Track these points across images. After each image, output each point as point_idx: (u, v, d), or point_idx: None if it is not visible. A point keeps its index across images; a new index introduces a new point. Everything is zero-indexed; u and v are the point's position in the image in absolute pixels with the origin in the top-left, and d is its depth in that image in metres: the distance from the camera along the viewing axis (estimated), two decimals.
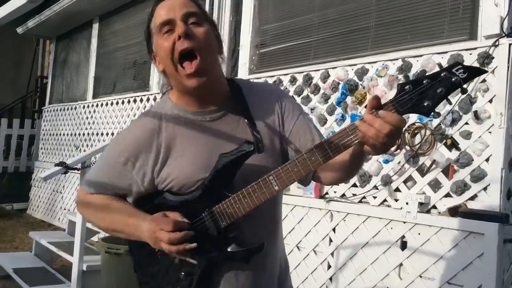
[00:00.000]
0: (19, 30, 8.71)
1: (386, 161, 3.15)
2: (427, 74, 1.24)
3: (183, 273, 1.35)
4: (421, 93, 1.11)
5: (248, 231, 1.36)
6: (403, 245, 2.96)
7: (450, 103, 1.24)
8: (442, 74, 1.10)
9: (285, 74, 3.94)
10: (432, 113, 1.16)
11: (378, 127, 1.11)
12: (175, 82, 1.39)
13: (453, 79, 1.08)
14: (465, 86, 1.09)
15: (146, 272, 1.45)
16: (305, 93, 3.78)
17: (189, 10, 1.32)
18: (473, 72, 1.10)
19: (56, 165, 3.43)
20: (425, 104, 1.11)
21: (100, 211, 1.45)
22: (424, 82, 1.11)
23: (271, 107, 1.44)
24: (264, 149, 1.34)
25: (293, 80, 3.88)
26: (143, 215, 1.35)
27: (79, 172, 3.53)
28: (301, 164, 1.24)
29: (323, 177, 1.45)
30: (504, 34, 2.70)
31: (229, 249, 1.32)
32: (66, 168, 3.41)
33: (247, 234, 1.35)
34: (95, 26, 7.51)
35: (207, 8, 5.39)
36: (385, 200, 3.13)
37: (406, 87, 1.12)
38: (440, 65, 2.96)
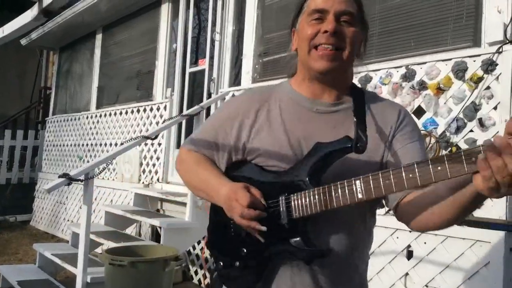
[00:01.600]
0: (23, 41, 8.77)
1: None
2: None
3: (245, 250, 1.33)
4: None
5: (322, 234, 1.28)
6: (409, 255, 2.94)
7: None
8: None
9: None
10: None
11: (508, 160, 0.87)
12: (302, 66, 1.37)
13: None
14: None
15: (215, 235, 1.46)
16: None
17: (347, 8, 1.30)
18: None
19: (60, 176, 3.41)
20: None
21: (192, 168, 1.47)
22: None
23: (387, 120, 1.34)
24: (364, 152, 1.22)
25: None
26: (226, 180, 1.34)
27: (83, 183, 3.51)
28: (395, 177, 1.07)
29: (413, 217, 1.23)
30: (507, 41, 2.70)
31: (292, 243, 1.24)
32: (69, 179, 3.39)
33: (320, 237, 1.27)
34: (98, 37, 7.54)
35: (209, 15, 5.41)
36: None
37: None
38: None
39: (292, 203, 1.24)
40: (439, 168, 0.98)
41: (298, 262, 1.28)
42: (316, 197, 1.20)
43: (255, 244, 1.29)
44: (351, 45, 1.29)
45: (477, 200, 1.02)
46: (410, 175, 1.04)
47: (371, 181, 1.12)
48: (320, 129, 1.32)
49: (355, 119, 1.28)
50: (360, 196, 1.13)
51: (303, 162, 1.26)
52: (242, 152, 1.38)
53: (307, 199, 1.22)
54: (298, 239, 1.24)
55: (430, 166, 1.00)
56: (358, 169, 1.20)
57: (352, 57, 1.31)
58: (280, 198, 1.26)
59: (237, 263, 1.34)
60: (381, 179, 1.10)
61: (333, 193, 1.18)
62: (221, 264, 1.40)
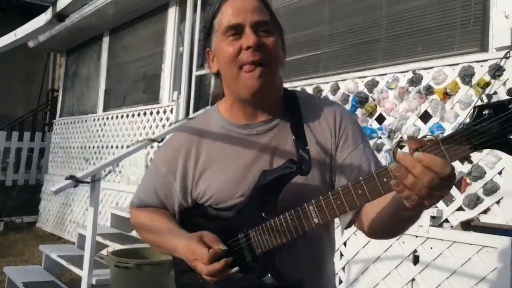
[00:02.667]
0: (30, 44, 8.80)
1: None
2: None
3: None
4: (507, 121, 0.82)
5: (289, 262, 1.24)
6: (416, 260, 2.93)
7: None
8: None
9: (295, 87, 3.93)
10: None
11: (417, 173, 0.88)
12: (230, 87, 1.29)
13: None
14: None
15: (183, 279, 1.41)
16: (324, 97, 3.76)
17: (261, 18, 1.22)
18: None
19: (66, 178, 3.43)
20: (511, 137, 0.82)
21: (144, 226, 1.42)
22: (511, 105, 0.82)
23: (325, 128, 1.29)
24: (310, 171, 1.19)
25: None
26: (180, 233, 1.29)
27: (89, 185, 3.53)
28: (346, 196, 1.05)
29: (366, 226, 1.24)
30: None
31: (264, 280, 1.20)
32: (76, 181, 3.41)
33: (288, 266, 1.23)
34: (106, 40, 7.57)
35: None
36: None
37: (485, 112, 0.84)
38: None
39: (253, 239, 1.21)
40: (385, 179, 0.99)
41: None
42: (274, 229, 1.17)
43: (227, 286, 1.25)
44: (275, 56, 1.23)
45: (412, 213, 1.02)
46: (360, 191, 1.03)
47: (323, 205, 1.10)
48: (263, 151, 1.27)
49: (293, 137, 1.24)
50: (316, 221, 1.12)
51: (254, 194, 1.23)
52: (191, 198, 1.34)
53: (266, 233, 1.18)
54: (269, 276, 1.20)
55: (376, 180, 1.00)
56: (310, 189, 1.21)
57: (278, 68, 1.25)
58: (239, 236, 1.23)
59: None
60: (332, 200, 1.08)
61: (289, 222, 1.15)
62: None
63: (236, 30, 1.21)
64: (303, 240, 1.21)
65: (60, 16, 1.43)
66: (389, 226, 1.17)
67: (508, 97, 0.86)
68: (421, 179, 0.88)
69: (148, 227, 1.40)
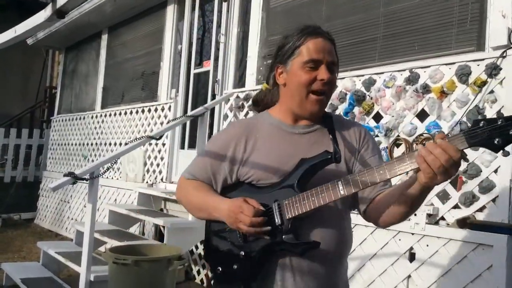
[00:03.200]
0: (29, 41, 8.80)
1: None
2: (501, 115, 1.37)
3: (242, 253, 1.51)
4: (493, 130, 1.20)
5: (312, 231, 1.49)
6: (412, 257, 2.95)
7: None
8: None
9: None
10: (502, 151, 1.25)
11: (437, 154, 1.22)
12: (293, 102, 1.58)
13: None
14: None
15: (212, 245, 1.63)
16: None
17: (334, 59, 1.55)
18: None
19: (65, 175, 3.44)
20: (496, 141, 1.20)
21: (190, 192, 1.66)
22: (499, 121, 1.20)
23: (352, 137, 1.63)
24: (340, 162, 1.50)
25: None
26: (224, 198, 1.56)
27: (88, 182, 3.54)
28: (369, 174, 1.37)
29: (380, 215, 1.52)
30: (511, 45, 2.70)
31: (284, 238, 1.45)
32: (74, 178, 3.41)
33: (310, 234, 1.48)
34: (104, 37, 7.57)
35: (214, 17, 5.44)
36: None
37: (480, 123, 1.22)
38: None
39: (284, 206, 1.47)
40: (399, 162, 1.33)
41: (292, 260, 1.49)
42: (305, 198, 1.44)
43: (251, 247, 1.50)
44: (333, 90, 1.59)
45: (423, 192, 1.36)
46: (381, 171, 1.36)
47: (350, 180, 1.40)
48: (303, 147, 1.56)
49: (331, 137, 1.55)
50: (342, 192, 1.40)
51: (291, 175, 1.50)
52: (236, 176, 1.60)
53: (297, 202, 1.45)
54: (290, 235, 1.45)
55: (395, 162, 1.33)
56: (335, 177, 1.45)
57: None
58: (274, 204, 1.49)
59: (235, 266, 1.52)
60: (358, 177, 1.39)
61: (319, 193, 1.43)
62: (219, 269, 1.58)
63: (315, 64, 1.52)
64: (325, 219, 1.50)
65: (60, 13, 1.44)
66: (399, 207, 1.44)
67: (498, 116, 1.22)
68: (439, 158, 1.22)
69: (194, 191, 1.65)
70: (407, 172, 1.37)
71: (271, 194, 1.51)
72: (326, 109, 1.66)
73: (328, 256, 1.51)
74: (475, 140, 1.22)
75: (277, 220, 1.46)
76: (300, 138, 1.59)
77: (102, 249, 4.69)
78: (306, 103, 1.55)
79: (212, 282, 1.66)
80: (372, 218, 1.58)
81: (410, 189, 1.36)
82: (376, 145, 1.69)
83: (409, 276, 2.94)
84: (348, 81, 3.54)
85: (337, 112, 3.57)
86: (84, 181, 3.51)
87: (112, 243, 4.05)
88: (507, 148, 1.24)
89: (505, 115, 2.62)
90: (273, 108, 1.69)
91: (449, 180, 2.84)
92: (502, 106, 2.69)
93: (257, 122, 1.66)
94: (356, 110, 3.46)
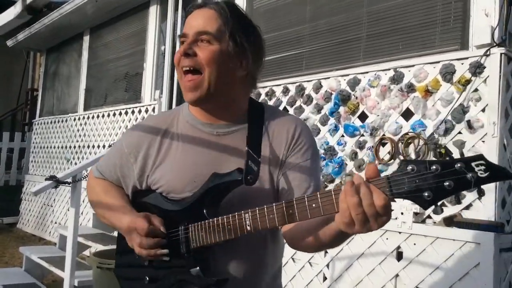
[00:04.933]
0: (9, 43, 8.67)
1: (381, 171, 3.13)
2: (438, 159, 1.03)
3: (147, 278, 1.37)
4: (425, 180, 0.94)
5: (222, 262, 1.32)
6: (399, 256, 2.95)
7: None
8: (456, 165, 0.92)
9: (277, 85, 3.94)
10: (433, 207, 1.02)
11: (361, 195, 0.99)
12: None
13: (469, 176, 0.90)
14: (482, 186, 0.98)
15: (121, 260, 1.50)
16: (297, 103, 3.77)
17: (204, 29, 1.29)
18: (496, 175, 0.90)
19: (47, 179, 3.38)
20: (426, 194, 0.94)
21: (99, 196, 1.49)
22: (433, 167, 0.93)
23: (282, 140, 1.37)
24: (258, 181, 1.27)
25: (285, 91, 3.87)
26: (129, 210, 1.38)
27: (70, 185, 3.48)
28: (278, 213, 1.15)
29: (293, 238, 1.33)
30: (495, 44, 2.72)
31: (191, 272, 1.29)
32: (57, 182, 3.37)
33: (220, 264, 1.32)
34: (86, 39, 7.48)
35: None
36: None
37: (408, 167, 0.95)
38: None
39: (190, 233, 1.30)
40: (314, 205, 1.09)
41: None
42: (211, 228, 1.25)
43: (156, 273, 1.35)
44: (208, 64, 1.28)
45: (340, 235, 1.12)
46: (291, 211, 1.12)
47: (257, 216, 1.18)
48: (220, 152, 1.35)
49: (246, 148, 1.30)
50: (248, 228, 1.20)
51: (202, 192, 1.30)
52: (146, 183, 1.42)
53: (203, 230, 1.27)
54: (197, 269, 1.28)
55: (307, 203, 1.10)
56: (252, 198, 1.27)
57: (219, 76, 1.29)
58: (180, 227, 1.32)
59: None
60: (265, 214, 1.17)
61: (225, 225, 1.23)
62: None
63: (184, 39, 1.31)
64: (238, 248, 1.31)
65: (30, 9, 1.40)
66: (316, 238, 1.22)
67: (435, 159, 1.04)
68: (364, 201, 0.98)
69: (103, 196, 1.47)
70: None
71: (179, 213, 1.33)
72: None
73: (242, 283, 1.34)
74: (399, 190, 0.97)
75: (183, 249, 1.30)
76: (219, 140, 1.37)
77: (86, 253, 4.63)
78: (183, 90, 1.33)
79: None
80: (287, 240, 1.37)
81: (328, 227, 1.15)
82: (313, 147, 1.41)
83: (397, 275, 2.94)
84: (333, 80, 3.53)
85: (322, 112, 3.56)
86: (67, 185, 3.46)
87: (97, 247, 4.00)
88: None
89: (488, 113, 2.65)
90: None
91: None
92: (486, 105, 2.70)
93: (174, 118, 1.44)
94: (342, 109, 3.45)
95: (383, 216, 0.99)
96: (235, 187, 1.27)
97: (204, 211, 1.28)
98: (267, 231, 1.36)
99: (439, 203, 2.68)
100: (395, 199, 1.01)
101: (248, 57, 1.35)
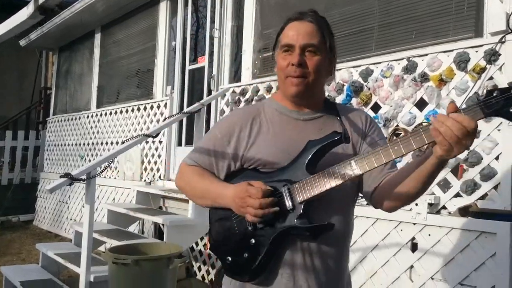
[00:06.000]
0: (22, 42, 8.75)
1: (395, 163, 3.10)
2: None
3: (253, 241, 1.46)
4: (507, 99, 1.18)
5: (323, 214, 1.45)
6: (414, 247, 2.92)
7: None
8: None
9: None
10: None
11: (450, 125, 1.18)
12: (280, 87, 1.59)
13: None
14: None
15: (219, 235, 1.58)
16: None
17: (310, 41, 1.49)
18: None
19: (61, 176, 3.39)
20: (511, 110, 1.19)
21: (192, 179, 1.62)
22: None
23: (358, 121, 1.60)
24: (349, 142, 1.49)
25: None
26: (228, 184, 1.53)
27: (84, 182, 3.50)
28: (383, 151, 1.32)
29: (388, 195, 1.48)
30: (510, 31, 2.67)
31: (297, 223, 1.41)
32: (71, 179, 3.37)
33: (321, 216, 1.45)
34: (97, 36, 7.52)
35: (208, 12, 5.39)
36: None
37: (494, 93, 1.19)
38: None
39: (295, 190, 1.43)
40: (416, 136, 1.28)
41: (303, 245, 1.45)
42: (317, 180, 1.40)
43: (262, 234, 1.45)
44: (314, 72, 1.50)
45: (438, 167, 1.31)
46: (396, 147, 1.30)
47: (364, 159, 1.36)
48: (310, 132, 1.53)
49: (338, 118, 1.55)
50: (356, 171, 1.36)
51: (299, 158, 1.46)
52: (240, 162, 1.56)
53: (308, 185, 1.41)
54: (303, 219, 1.40)
55: (410, 137, 1.28)
56: (343, 159, 1.41)
57: (318, 80, 1.53)
58: (283, 188, 1.44)
59: (246, 254, 1.48)
60: (371, 155, 1.35)
61: (331, 174, 1.39)
62: (229, 259, 1.53)
63: (289, 48, 1.51)
64: (335, 206, 1.48)
65: (42, 9, 1.40)
66: (410, 185, 1.39)
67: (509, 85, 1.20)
68: (452, 128, 1.18)
69: (196, 177, 1.61)
70: (421, 148, 1.33)
71: (279, 178, 1.47)
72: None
73: (337, 237, 1.49)
74: (490, 110, 1.20)
75: (288, 204, 1.42)
76: (306, 124, 1.56)
77: (101, 249, 4.66)
78: (285, 86, 1.54)
79: (220, 273, 1.63)
80: (378, 201, 1.53)
81: (424, 164, 1.33)
82: (380, 130, 1.66)
83: (411, 266, 2.91)
84: (345, 72, 3.50)
85: None
86: (81, 182, 3.47)
87: (112, 242, 4.02)
88: None
89: None
90: (276, 93, 1.68)
91: (449, 169, 2.82)
92: None
93: (261, 107, 1.63)
94: (354, 101, 3.42)
95: (473, 135, 1.20)
96: (333, 147, 1.44)
97: (305, 170, 1.43)
98: (350, 192, 1.55)
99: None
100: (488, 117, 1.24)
101: (335, 61, 1.60)
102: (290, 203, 1.42)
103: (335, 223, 1.44)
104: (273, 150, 1.51)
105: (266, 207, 1.39)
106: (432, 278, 2.79)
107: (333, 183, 1.38)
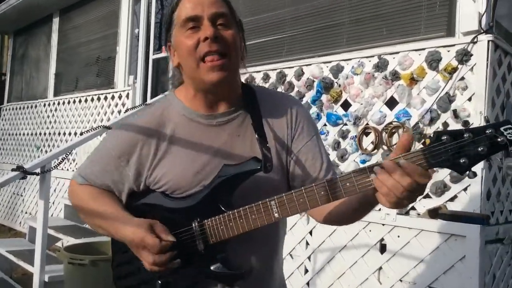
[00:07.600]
0: None
1: (363, 161, 3.06)
2: (469, 127, 1.09)
3: (159, 282, 1.26)
4: (460, 148, 1.00)
5: (240, 253, 1.25)
6: (383, 248, 2.88)
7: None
8: (487, 131, 0.98)
9: (258, 71, 3.80)
10: (468, 172, 1.02)
11: (398, 178, 1.01)
12: (191, 79, 1.29)
13: (499, 140, 0.97)
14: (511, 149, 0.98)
15: (121, 272, 1.38)
16: (279, 90, 3.65)
17: (219, 10, 1.23)
18: None
19: (13, 170, 3.17)
20: (462, 161, 1.00)
21: (87, 204, 1.35)
22: (465, 136, 0.99)
23: (283, 118, 1.34)
24: (271, 170, 1.22)
25: (266, 78, 3.74)
26: (126, 217, 1.26)
27: (39, 176, 3.29)
28: (309, 196, 1.13)
29: (320, 215, 1.33)
30: (482, 31, 2.65)
31: (212, 268, 1.22)
32: (24, 172, 3.15)
33: (239, 256, 1.25)
34: (55, 21, 7.19)
35: None
36: None
37: (443, 138, 1.00)
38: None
39: (207, 229, 1.23)
40: (347, 184, 1.09)
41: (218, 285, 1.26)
42: (232, 221, 1.20)
43: (170, 275, 1.25)
44: (234, 49, 1.24)
45: (372, 204, 1.15)
46: (322, 193, 1.12)
47: (285, 201, 1.15)
48: (225, 141, 1.29)
49: (256, 136, 1.26)
50: (276, 216, 1.17)
51: (212, 184, 1.23)
52: (144, 184, 1.31)
53: (222, 224, 1.21)
54: (218, 264, 1.23)
55: (340, 184, 1.10)
56: (264, 185, 1.24)
57: (238, 61, 1.28)
58: (193, 224, 1.23)
59: None
60: (294, 198, 1.14)
61: (249, 215, 1.18)
62: None
63: (195, 23, 1.22)
64: (256, 234, 1.22)
65: None
66: (348, 214, 1.25)
67: (462, 127, 1.06)
68: (400, 182, 1.01)
69: (91, 201, 1.34)
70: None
71: (189, 209, 1.24)
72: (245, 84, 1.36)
73: (260, 272, 1.30)
74: (438, 159, 1.00)
75: (200, 246, 1.22)
76: (220, 130, 1.30)
77: (59, 244, 4.45)
78: (200, 75, 1.23)
79: None
80: (314, 214, 1.35)
81: (367, 198, 1.14)
82: (312, 123, 1.39)
83: (380, 268, 2.88)
84: (315, 67, 3.42)
85: (304, 100, 3.44)
86: (35, 175, 3.27)
87: (68, 239, 3.84)
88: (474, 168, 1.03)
89: (475, 102, 2.58)
90: (179, 90, 1.36)
91: None
92: (473, 93, 2.63)
93: (164, 112, 1.33)
94: (324, 97, 3.34)
95: (424, 186, 1.04)
96: (251, 176, 1.21)
97: (219, 204, 1.22)
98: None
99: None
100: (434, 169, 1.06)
101: (244, 40, 1.33)
102: (202, 244, 1.22)
103: (257, 258, 1.28)
104: (182, 173, 1.26)
105: (161, 265, 1.18)
106: (401, 280, 2.76)
107: (251, 226, 1.19)
